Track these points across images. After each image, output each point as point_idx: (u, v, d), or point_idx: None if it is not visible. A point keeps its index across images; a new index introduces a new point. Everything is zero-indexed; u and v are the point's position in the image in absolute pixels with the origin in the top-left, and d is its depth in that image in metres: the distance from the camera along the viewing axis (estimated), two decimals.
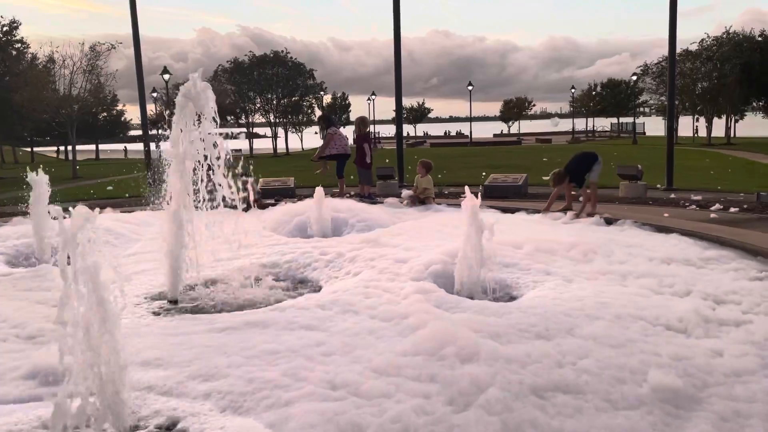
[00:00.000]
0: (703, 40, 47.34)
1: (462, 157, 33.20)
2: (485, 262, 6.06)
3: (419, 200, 11.76)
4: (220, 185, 6.11)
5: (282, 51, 58.97)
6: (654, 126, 71.22)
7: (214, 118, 5.98)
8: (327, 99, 68.89)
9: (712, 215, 10.26)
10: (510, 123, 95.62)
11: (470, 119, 71.02)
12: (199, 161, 6.11)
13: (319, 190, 9.65)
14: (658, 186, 15.14)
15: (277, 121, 60.26)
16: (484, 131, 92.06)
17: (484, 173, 17.06)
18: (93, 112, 47.16)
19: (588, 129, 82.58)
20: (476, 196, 6.15)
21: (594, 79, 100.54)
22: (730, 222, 9.31)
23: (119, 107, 66.27)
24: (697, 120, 51.69)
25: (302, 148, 60.74)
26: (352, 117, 70.80)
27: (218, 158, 6.03)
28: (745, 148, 34.63)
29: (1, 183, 27.51)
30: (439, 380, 3.72)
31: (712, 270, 6.40)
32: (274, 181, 15.79)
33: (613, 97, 75.48)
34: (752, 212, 10.63)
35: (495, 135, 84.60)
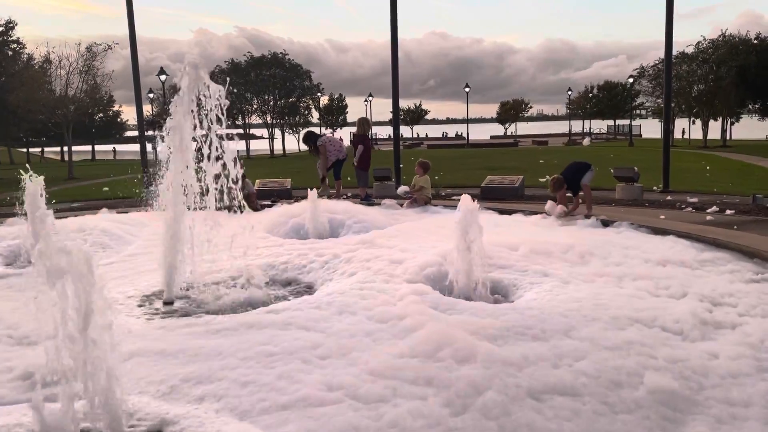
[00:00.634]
0: (699, 42, 47.51)
1: (459, 159, 33.20)
2: (481, 264, 6.05)
3: (415, 200, 11.74)
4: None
5: (281, 53, 58.98)
6: (650, 128, 71.35)
7: (218, 116, 5.97)
8: (324, 100, 68.90)
9: (709, 217, 10.28)
10: (507, 125, 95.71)
11: (467, 121, 71.05)
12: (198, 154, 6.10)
13: (312, 192, 9.64)
14: (655, 188, 15.17)
15: (274, 122, 60.24)
16: (481, 133, 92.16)
17: (483, 178, 17.06)
18: (89, 112, 47.02)
19: (584, 131, 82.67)
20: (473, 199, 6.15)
21: (591, 81, 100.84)
22: (727, 224, 9.33)
23: (115, 108, 66.23)
24: (694, 122, 51.80)
25: (299, 150, 60.67)
26: (350, 118, 70.83)
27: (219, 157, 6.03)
28: (741, 151, 34.72)
29: None
30: (436, 383, 3.71)
31: (708, 272, 6.40)
32: (270, 183, 15.78)
33: (609, 99, 75.56)
34: (748, 214, 10.66)
35: (492, 137, 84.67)
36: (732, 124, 51.81)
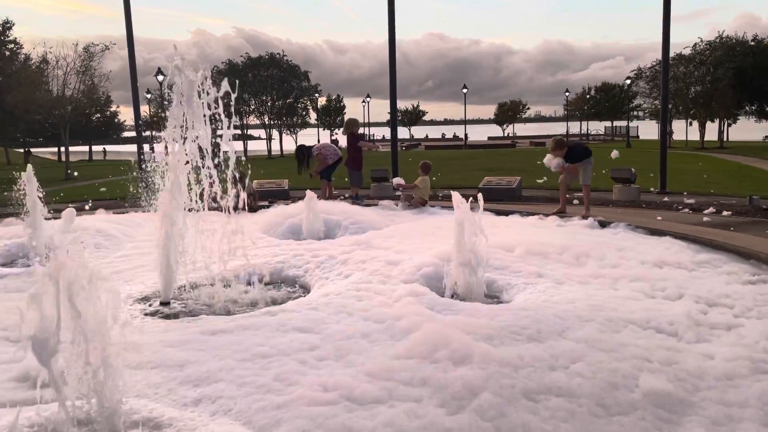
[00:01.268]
0: (696, 44, 47.62)
1: (457, 160, 33.20)
2: (477, 265, 6.05)
3: (410, 200, 11.76)
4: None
5: (278, 54, 58.93)
6: (648, 129, 71.45)
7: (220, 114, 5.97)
8: (322, 101, 68.87)
9: (705, 218, 10.29)
10: (504, 126, 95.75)
11: (465, 122, 71.07)
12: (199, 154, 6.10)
13: (309, 193, 9.64)
14: (652, 189, 15.18)
15: (272, 123, 60.19)
16: (479, 134, 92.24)
17: (481, 178, 17.06)
18: (86, 113, 47.00)
19: (582, 132, 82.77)
20: (467, 200, 6.15)
21: (588, 82, 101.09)
22: (723, 225, 9.34)
23: (113, 108, 66.15)
24: (691, 124, 51.90)
25: None
26: (347, 119, 70.83)
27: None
28: (738, 152, 34.78)
29: None
30: (431, 384, 3.71)
31: (704, 273, 6.41)
32: (268, 183, 15.77)
33: (607, 100, 75.69)
34: (745, 216, 10.68)
35: (489, 138, 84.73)
36: (729, 125, 51.89)
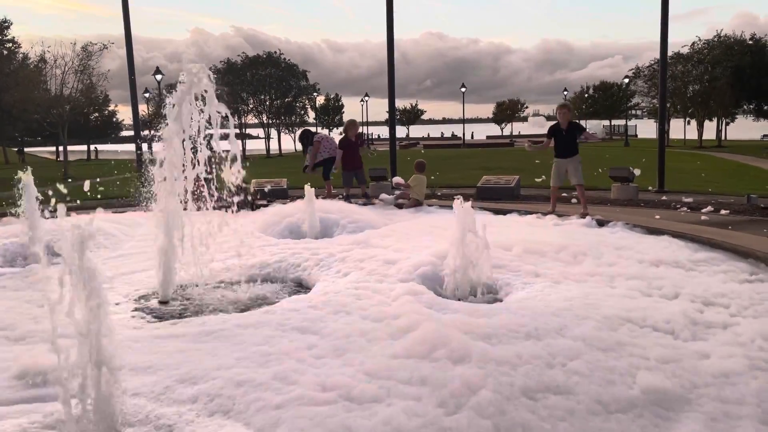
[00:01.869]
0: (694, 43, 47.70)
1: (455, 159, 33.24)
2: (474, 264, 6.07)
3: (405, 199, 11.79)
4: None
5: (275, 52, 58.91)
6: (646, 128, 71.52)
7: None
8: (320, 100, 68.87)
9: (703, 217, 10.31)
10: (503, 125, 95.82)
11: (463, 121, 71.12)
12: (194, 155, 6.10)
13: (309, 191, 9.62)
14: (650, 188, 15.20)
15: (270, 122, 60.19)
16: (477, 133, 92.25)
17: (479, 178, 17.07)
18: (84, 112, 46.95)
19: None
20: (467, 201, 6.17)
21: (586, 81, 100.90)
22: (721, 224, 9.36)
23: (111, 107, 66.05)
24: (689, 123, 51.95)
25: (295, 149, 60.58)
26: (346, 119, 70.90)
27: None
28: (736, 151, 34.84)
29: None
30: (430, 382, 3.72)
31: (702, 272, 6.42)
32: (266, 183, 15.76)
33: (605, 99, 75.76)
34: (743, 214, 10.70)
35: (488, 137, 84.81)
36: (727, 124, 52.00)
